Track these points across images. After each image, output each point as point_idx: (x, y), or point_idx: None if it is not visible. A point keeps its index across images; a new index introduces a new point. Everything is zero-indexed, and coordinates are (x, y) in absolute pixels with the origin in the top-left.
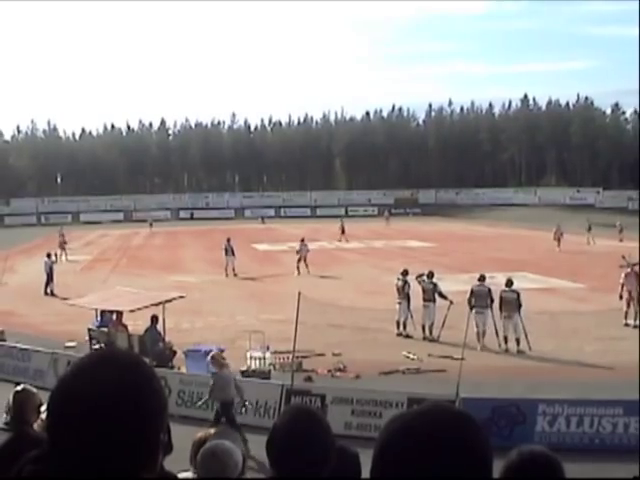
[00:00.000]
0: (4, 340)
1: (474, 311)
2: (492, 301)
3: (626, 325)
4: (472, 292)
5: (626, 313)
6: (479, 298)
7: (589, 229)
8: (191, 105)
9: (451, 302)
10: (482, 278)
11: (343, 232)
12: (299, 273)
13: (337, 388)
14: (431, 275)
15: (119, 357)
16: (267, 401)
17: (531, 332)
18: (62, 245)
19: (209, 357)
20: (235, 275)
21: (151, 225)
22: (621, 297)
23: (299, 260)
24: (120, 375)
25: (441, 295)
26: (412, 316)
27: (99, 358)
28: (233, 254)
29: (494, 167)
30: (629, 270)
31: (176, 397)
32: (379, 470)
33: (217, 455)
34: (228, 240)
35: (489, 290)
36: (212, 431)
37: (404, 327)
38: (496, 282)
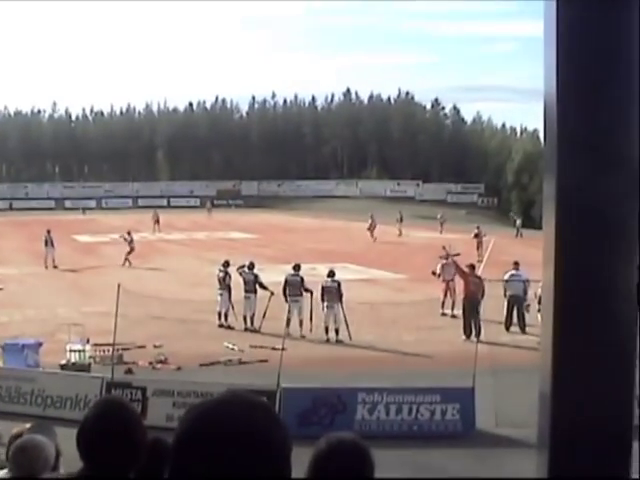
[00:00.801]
0: None
1: (288, 300)
2: (306, 290)
3: (443, 315)
4: (286, 281)
5: (443, 303)
6: (293, 287)
7: (401, 220)
8: (10, 93)
9: (272, 293)
10: (296, 267)
11: (157, 222)
12: (130, 264)
13: (158, 380)
14: (252, 266)
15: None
16: (87, 394)
17: (352, 322)
18: None
19: None
20: (55, 267)
21: None
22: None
23: (130, 251)
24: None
25: (262, 286)
26: (233, 307)
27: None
28: (53, 245)
29: (316, 160)
30: (446, 261)
31: None
32: (176, 459)
33: (26, 450)
34: (48, 231)
35: (302, 279)
36: (27, 426)
37: (225, 318)
38: (318, 273)
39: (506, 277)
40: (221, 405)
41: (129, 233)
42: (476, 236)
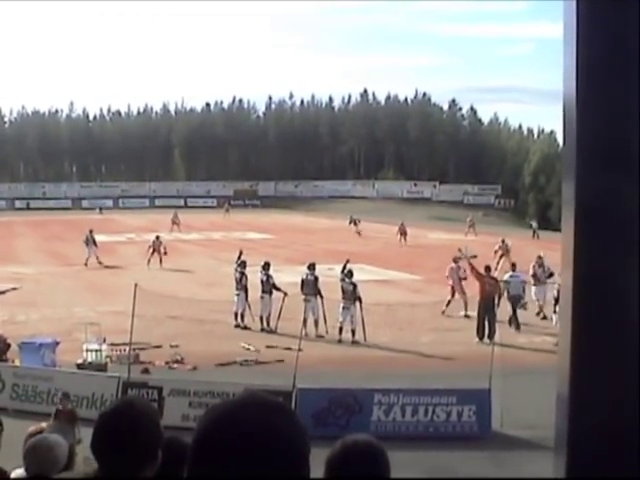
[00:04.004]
0: None
1: (302, 299)
2: (318, 290)
3: (443, 314)
4: (302, 281)
5: (449, 302)
6: (307, 286)
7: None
8: (28, 92)
9: (285, 294)
10: (311, 267)
11: (176, 224)
12: (161, 263)
13: (174, 380)
14: (268, 267)
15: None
16: (103, 394)
17: (368, 323)
18: None
19: None
20: (100, 264)
21: None
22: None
23: (152, 252)
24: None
25: (275, 287)
26: (250, 307)
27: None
28: (95, 244)
29: (333, 160)
30: (452, 265)
31: (10, 391)
32: (194, 460)
33: (36, 449)
34: (90, 231)
35: (316, 278)
36: (44, 425)
37: (242, 318)
38: (334, 273)
39: (506, 278)
40: (240, 406)
41: (158, 238)
42: (501, 253)
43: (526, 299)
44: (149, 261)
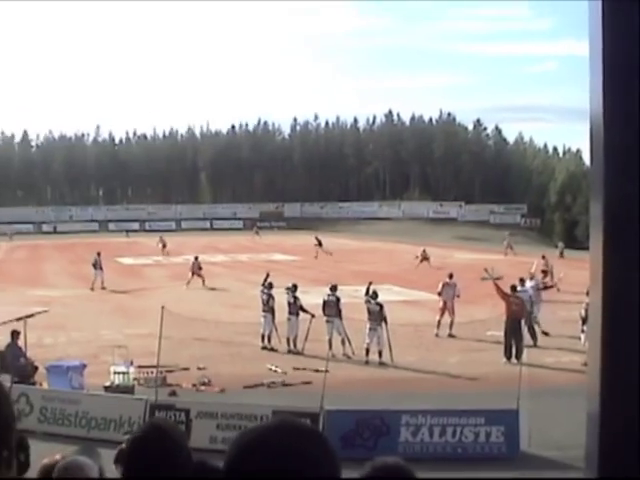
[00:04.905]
0: None
1: (324, 320)
2: (339, 311)
3: (436, 336)
4: (324, 302)
5: (439, 323)
6: (329, 307)
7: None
8: (54, 117)
9: (312, 315)
10: (333, 288)
11: (164, 246)
12: (204, 283)
13: (202, 402)
14: (294, 288)
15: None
16: (131, 416)
17: (395, 344)
18: None
19: None
20: (104, 289)
21: (11, 238)
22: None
23: (192, 274)
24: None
25: (302, 309)
26: (277, 329)
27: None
28: (102, 268)
29: (359, 181)
30: (447, 281)
31: (38, 413)
32: None
33: (68, 471)
34: (98, 254)
35: (338, 299)
36: (58, 457)
37: (269, 340)
38: (361, 295)
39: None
40: (271, 432)
41: (196, 258)
42: (544, 272)
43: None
44: (188, 282)
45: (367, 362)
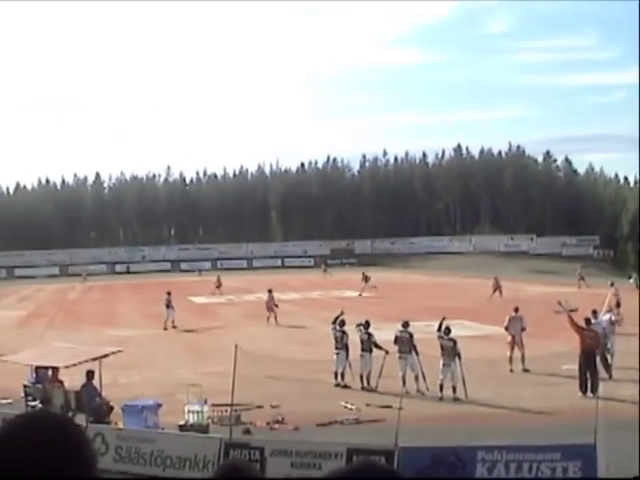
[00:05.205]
0: None
1: (397, 356)
2: (414, 347)
3: (510, 371)
4: (396, 338)
5: (510, 358)
6: (402, 344)
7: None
8: (126, 158)
9: (386, 352)
10: (405, 324)
11: (219, 286)
12: (275, 322)
13: (276, 440)
14: (367, 325)
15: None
16: (205, 455)
17: (468, 379)
18: None
19: None
20: (175, 328)
21: (85, 279)
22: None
23: (268, 309)
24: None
25: (376, 345)
26: (351, 366)
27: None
28: (173, 307)
29: (429, 216)
30: (513, 314)
31: (114, 453)
32: None
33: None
34: (168, 293)
35: (411, 336)
36: None
37: (342, 377)
38: (433, 330)
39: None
40: (353, 475)
41: (270, 292)
42: (618, 304)
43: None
44: (268, 318)
45: (441, 398)
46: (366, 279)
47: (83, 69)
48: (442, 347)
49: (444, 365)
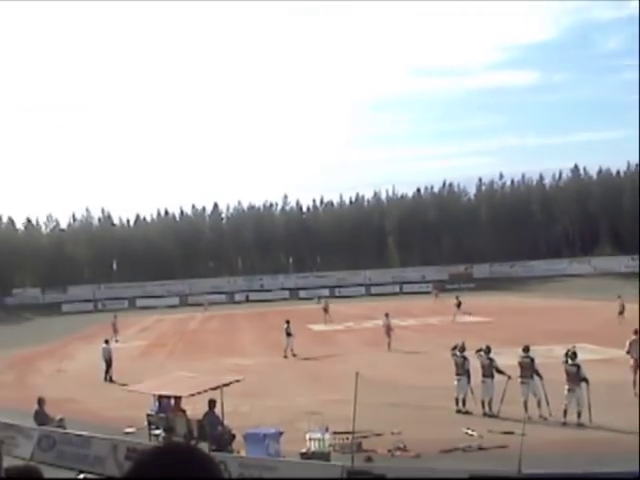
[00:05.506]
0: (64, 427)
1: (519, 381)
2: (535, 372)
3: (635, 395)
4: (519, 363)
5: (634, 382)
6: (523, 369)
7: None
8: (243, 188)
9: (509, 377)
10: (526, 349)
11: (326, 311)
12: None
13: (397, 468)
14: (488, 350)
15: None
16: None
17: (592, 404)
18: (115, 330)
19: None
20: (294, 356)
21: (206, 308)
22: None
23: (386, 334)
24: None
25: (498, 370)
26: (472, 392)
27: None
28: (292, 335)
29: (547, 238)
30: (634, 338)
31: None
32: None
33: None
34: (287, 322)
35: (532, 360)
36: None
37: (463, 403)
38: (554, 355)
39: None
40: None
41: (387, 315)
42: None
43: None
44: (389, 344)
45: (564, 423)
46: (459, 304)
47: (194, 101)
48: (567, 372)
49: (569, 390)
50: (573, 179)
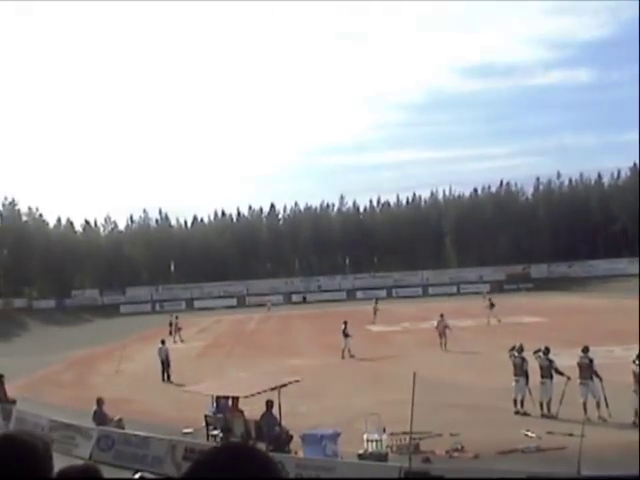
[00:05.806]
0: (122, 427)
1: (578, 383)
2: (594, 372)
3: None
4: (578, 364)
5: None
6: (582, 370)
7: None
8: (300, 189)
9: (568, 378)
10: (585, 349)
11: (376, 312)
12: (444, 348)
13: (456, 469)
14: (547, 351)
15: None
16: None
17: None
18: (177, 330)
19: None
20: (352, 356)
21: (269, 309)
22: None
23: (440, 335)
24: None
25: (557, 371)
26: (530, 393)
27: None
28: (350, 336)
29: (606, 238)
30: None
31: None
32: None
33: None
34: (345, 323)
35: (591, 361)
36: None
37: (521, 404)
38: (615, 355)
39: None
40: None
41: (442, 316)
42: None
43: None
44: (445, 344)
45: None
46: (491, 306)
47: (252, 104)
48: (634, 374)
49: (635, 392)
50: (632, 177)
